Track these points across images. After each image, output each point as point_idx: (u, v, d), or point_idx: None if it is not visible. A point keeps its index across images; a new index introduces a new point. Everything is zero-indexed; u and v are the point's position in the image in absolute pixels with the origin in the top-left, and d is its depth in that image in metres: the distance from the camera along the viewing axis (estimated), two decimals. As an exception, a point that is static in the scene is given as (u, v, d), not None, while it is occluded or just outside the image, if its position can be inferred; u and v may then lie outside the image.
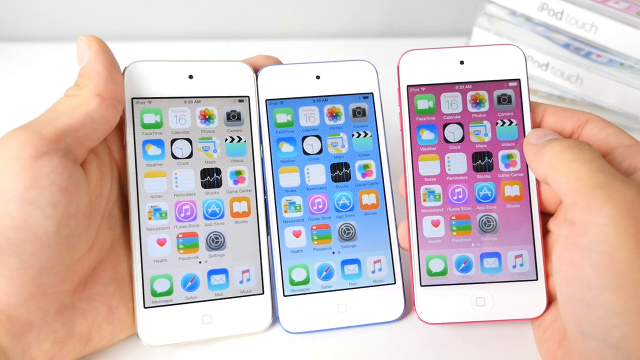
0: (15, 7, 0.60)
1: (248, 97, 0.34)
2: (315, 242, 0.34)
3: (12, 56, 0.58)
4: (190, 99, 0.34)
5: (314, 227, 0.34)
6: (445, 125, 0.34)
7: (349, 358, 0.32)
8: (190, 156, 0.33)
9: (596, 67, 0.49)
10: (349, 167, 0.35)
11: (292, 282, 0.33)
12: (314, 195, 0.34)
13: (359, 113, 0.35)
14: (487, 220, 0.33)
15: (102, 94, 0.30)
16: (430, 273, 0.33)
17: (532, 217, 0.33)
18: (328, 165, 0.35)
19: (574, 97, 0.51)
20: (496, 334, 0.33)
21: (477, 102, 0.34)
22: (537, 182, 0.33)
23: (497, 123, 0.33)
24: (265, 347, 0.32)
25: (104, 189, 0.31)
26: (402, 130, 0.34)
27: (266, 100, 0.35)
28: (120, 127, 0.33)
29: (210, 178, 0.33)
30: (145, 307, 0.31)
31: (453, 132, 0.34)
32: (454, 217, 0.33)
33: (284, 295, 0.33)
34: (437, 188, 0.33)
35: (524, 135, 0.33)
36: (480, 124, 0.34)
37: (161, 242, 0.32)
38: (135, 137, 0.32)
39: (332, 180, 0.34)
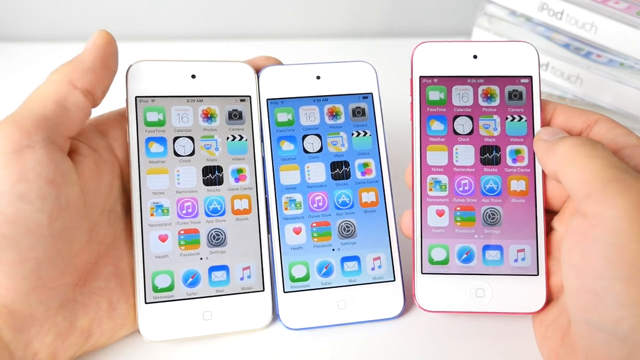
0: (15, 7, 0.60)
1: (249, 96, 0.35)
2: (315, 239, 0.34)
3: (12, 56, 0.58)
4: (192, 98, 0.34)
5: (314, 225, 0.34)
6: (455, 117, 0.34)
7: (349, 354, 0.32)
8: (192, 154, 0.33)
9: (596, 67, 0.49)
10: (349, 165, 0.35)
11: (292, 279, 0.33)
12: (314, 193, 0.34)
13: (358, 113, 0.36)
14: (492, 213, 0.33)
15: (75, 82, 0.29)
16: (432, 261, 0.33)
17: (537, 212, 0.33)
18: (328, 164, 0.35)
19: (574, 97, 0.52)
20: (496, 333, 0.33)
21: (488, 97, 0.34)
22: (544, 178, 0.33)
23: (507, 118, 0.34)
24: (266, 344, 0.33)
25: (101, 183, 0.31)
26: (412, 120, 0.34)
27: (267, 99, 0.35)
28: (123, 125, 0.33)
29: (212, 175, 0.34)
30: (146, 303, 0.32)
31: (462, 125, 0.34)
32: (458, 208, 0.33)
33: (284, 292, 0.33)
34: (444, 178, 0.33)
35: (533, 132, 0.33)
36: (490, 118, 0.34)
37: (163, 238, 0.32)
38: (139, 135, 0.33)
39: (332, 178, 0.35)
